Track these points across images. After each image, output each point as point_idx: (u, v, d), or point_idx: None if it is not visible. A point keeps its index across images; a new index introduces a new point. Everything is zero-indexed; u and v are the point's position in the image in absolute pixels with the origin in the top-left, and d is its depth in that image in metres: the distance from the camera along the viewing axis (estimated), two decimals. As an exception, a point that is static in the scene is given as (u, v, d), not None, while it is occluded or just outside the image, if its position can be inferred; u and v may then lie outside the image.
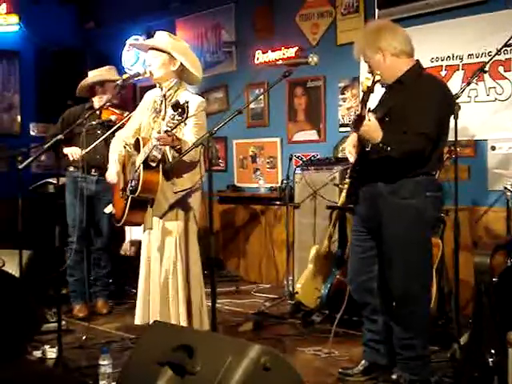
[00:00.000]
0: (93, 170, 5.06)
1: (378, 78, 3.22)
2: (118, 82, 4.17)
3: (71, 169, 5.16)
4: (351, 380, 3.67)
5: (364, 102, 3.22)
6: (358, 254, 3.65)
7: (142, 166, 3.85)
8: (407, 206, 3.39)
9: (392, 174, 3.39)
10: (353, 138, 3.53)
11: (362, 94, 3.30)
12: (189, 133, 3.88)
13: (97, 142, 4.78)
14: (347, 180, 3.53)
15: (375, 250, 3.56)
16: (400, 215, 3.40)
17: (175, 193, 3.96)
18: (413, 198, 3.38)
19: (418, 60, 3.54)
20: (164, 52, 4.00)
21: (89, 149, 4.74)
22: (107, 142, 4.75)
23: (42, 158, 5.91)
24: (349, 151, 3.50)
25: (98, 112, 5.03)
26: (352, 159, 3.48)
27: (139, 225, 4.10)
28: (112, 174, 4.15)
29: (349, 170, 3.55)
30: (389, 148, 3.22)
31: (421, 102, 3.34)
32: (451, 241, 3.95)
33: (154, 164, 3.83)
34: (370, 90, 3.20)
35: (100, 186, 5.09)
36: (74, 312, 5.20)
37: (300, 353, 4.24)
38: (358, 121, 3.18)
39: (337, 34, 6.09)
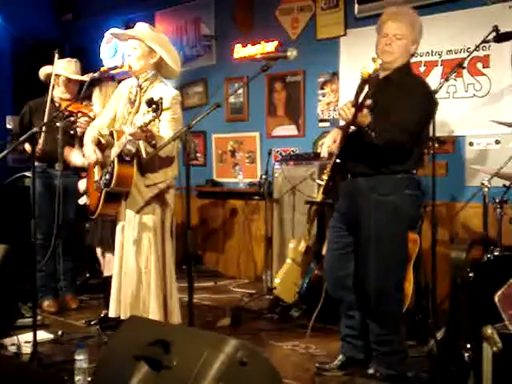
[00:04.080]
0: (56, 165, 4.98)
1: (378, 66, 3.21)
2: (94, 75, 4.13)
3: (36, 163, 5.07)
4: (328, 375, 3.67)
5: (362, 90, 3.20)
6: (335, 251, 3.65)
7: (116, 159, 3.82)
8: (385, 202, 3.39)
9: (372, 170, 3.39)
10: (334, 133, 3.53)
11: (360, 82, 3.26)
12: (165, 127, 3.84)
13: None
14: (324, 177, 3.51)
15: (352, 247, 3.56)
16: (377, 211, 3.40)
17: (147, 186, 3.93)
18: (391, 194, 3.39)
19: (409, 60, 3.56)
20: (144, 44, 3.97)
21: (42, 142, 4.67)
22: (68, 134, 4.76)
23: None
24: (327, 146, 3.49)
25: (60, 105, 4.99)
26: (326, 154, 3.48)
27: (113, 217, 4.07)
28: (89, 154, 4.05)
29: (327, 166, 3.53)
30: (373, 133, 3.22)
31: (406, 100, 3.34)
32: (429, 236, 3.96)
33: (128, 158, 3.81)
34: (368, 80, 3.19)
35: (65, 180, 5.03)
36: (43, 307, 5.13)
37: (277, 348, 4.24)
38: (357, 109, 3.17)
39: (317, 28, 6.08)
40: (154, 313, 3.92)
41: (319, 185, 3.58)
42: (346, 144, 3.38)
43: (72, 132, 4.85)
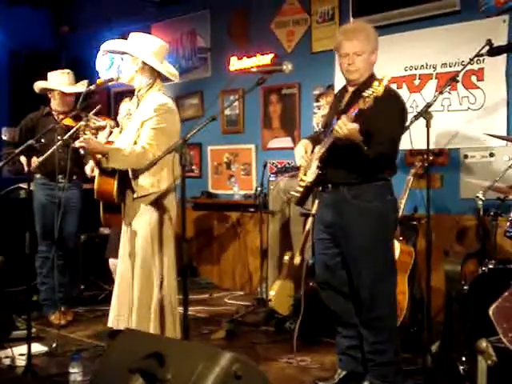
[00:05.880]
0: (60, 177, 4.97)
1: (387, 83, 3.21)
2: (90, 87, 4.12)
3: (38, 176, 5.09)
4: None
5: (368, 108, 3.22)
6: (324, 263, 3.64)
7: (97, 171, 3.84)
8: (371, 208, 3.44)
9: (355, 179, 3.44)
10: (303, 143, 3.62)
11: (371, 102, 3.26)
12: (143, 137, 3.77)
13: (53, 149, 4.72)
14: (299, 188, 3.54)
15: (341, 256, 3.57)
16: (365, 218, 3.44)
17: (134, 198, 3.87)
18: (375, 200, 3.45)
19: (372, 70, 3.59)
20: (127, 54, 3.94)
21: (44, 157, 4.61)
22: (69, 147, 4.76)
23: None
24: (301, 156, 3.56)
25: (58, 118, 4.99)
26: (302, 162, 3.54)
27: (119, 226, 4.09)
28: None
29: (300, 175, 3.56)
30: (365, 147, 3.24)
31: (385, 109, 3.33)
32: (423, 248, 3.97)
33: (108, 169, 3.81)
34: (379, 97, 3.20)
35: (67, 193, 5.03)
36: (51, 320, 5.10)
37: (272, 361, 4.22)
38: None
39: (312, 41, 6.12)
40: (152, 325, 3.89)
41: (294, 196, 3.61)
42: (328, 155, 3.41)
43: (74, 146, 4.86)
